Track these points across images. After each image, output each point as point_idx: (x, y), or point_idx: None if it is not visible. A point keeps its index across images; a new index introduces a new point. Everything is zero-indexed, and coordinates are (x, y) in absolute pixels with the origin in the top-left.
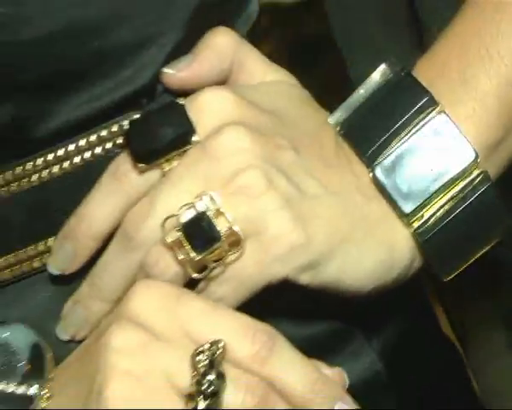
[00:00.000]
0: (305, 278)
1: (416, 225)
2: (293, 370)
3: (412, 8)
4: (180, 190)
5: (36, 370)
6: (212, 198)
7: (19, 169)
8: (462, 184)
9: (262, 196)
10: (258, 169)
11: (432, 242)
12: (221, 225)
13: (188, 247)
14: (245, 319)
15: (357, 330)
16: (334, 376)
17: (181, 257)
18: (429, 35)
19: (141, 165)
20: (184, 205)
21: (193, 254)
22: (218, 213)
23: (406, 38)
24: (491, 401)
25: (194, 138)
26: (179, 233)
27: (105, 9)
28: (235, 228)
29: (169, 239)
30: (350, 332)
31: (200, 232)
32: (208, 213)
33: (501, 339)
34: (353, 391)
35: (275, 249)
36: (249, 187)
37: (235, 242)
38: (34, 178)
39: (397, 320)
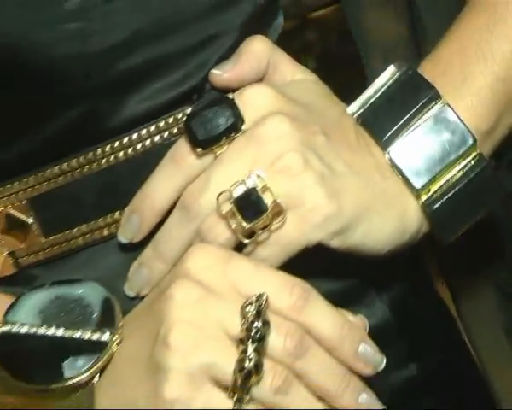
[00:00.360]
0: (335, 243)
1: (424, 197)
2: (325, 317)
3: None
4: (231, 170)
5: (107, 320)
6: (259, 176)
7: (90, 154)
8: (462, 164)
9: (300, 174)
10: (297, 152)
11: (437, 211)
12: (267, 199)
13: (239, 217)
14: (284, 276)
15: (371, 287)
16: (357, 322)
17: (234, 225)
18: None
19: (198, 150)
20: (236, 182)
21: (244, 223)
22: (265, 188)
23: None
24: (480, 354)
25: (243, 127)
26: (232, 205)
27: (164, 19)
28: (279, 201)
29: (224, 211)
30: (364, 288)
31: (250, 205)
32: (257, 189)
33: (492, 300)
34: (370, 335)
35: (311, 219)
36: (290, 167)
37: (279, 212)
38: (103, 162)
39: (401, 282)
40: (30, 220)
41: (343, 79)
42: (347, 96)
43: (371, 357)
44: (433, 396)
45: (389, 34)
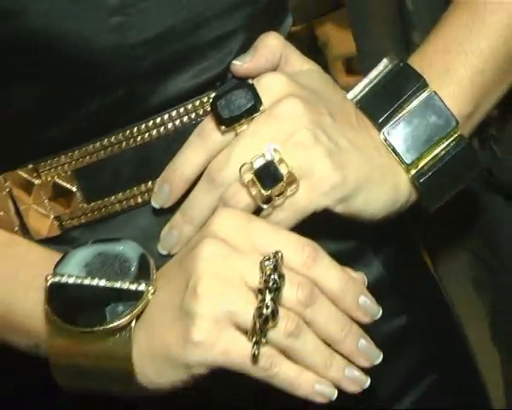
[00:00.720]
0: (339, 208)
1: (413, 172)
2: (331, 273)
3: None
4: (251, 145)
5: (143, 273)
6: (276, 150)
7: (128, 132)
8: (446, 143)
9: (311, 149)
10: (308, 130)
11: (424, 183)
12: (283, 170)
13: (259, 185)
14: (296, 236)
15: (368, 249)
16: (358, 277)
17: (254, 193)
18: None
19: (222, 127)
20: (256, 155)
21: (263, 191)
22: (281, 160)
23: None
24: (454, 305)
25: (261, 108)
26: (252, 175)
27: (194, 17)
28: (293, 171)
29: (245, 180)
30: (363, 249)
31: (268, 175)
32: (274, 161)
33: (464, 261)
34: (368, 290)
35: (320, 187)
36: (302, 142)
37: (292, 181)
38: (139, 138)
39: (393, 246)
40: (74, 189)
41: None
42: None
43: (370, 308)
44: (420, 343)
45: (381, 42)
